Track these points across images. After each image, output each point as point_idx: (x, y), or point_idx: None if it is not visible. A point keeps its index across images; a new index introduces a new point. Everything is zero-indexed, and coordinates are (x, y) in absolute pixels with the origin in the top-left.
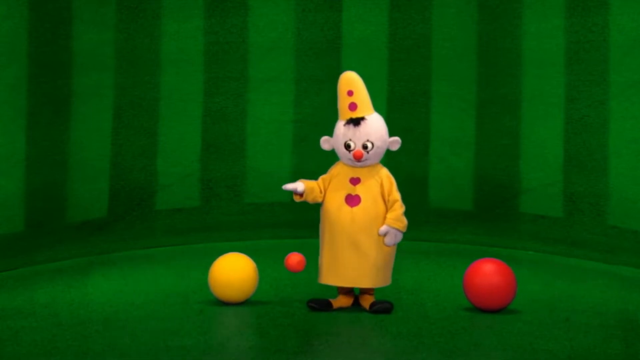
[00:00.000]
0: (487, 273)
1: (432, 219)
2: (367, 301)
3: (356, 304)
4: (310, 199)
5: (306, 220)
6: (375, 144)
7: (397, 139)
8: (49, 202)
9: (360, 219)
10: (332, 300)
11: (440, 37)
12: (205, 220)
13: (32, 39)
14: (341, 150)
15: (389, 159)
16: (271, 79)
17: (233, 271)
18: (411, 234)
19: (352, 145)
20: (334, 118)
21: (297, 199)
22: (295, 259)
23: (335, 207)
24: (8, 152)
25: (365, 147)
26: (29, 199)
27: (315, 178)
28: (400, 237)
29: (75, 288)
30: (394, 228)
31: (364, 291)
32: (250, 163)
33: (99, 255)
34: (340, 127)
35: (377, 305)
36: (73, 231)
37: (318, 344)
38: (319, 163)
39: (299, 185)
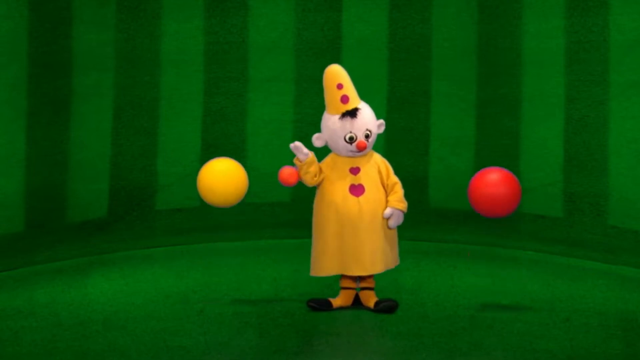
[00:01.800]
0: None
1: (432, 219)
2: (370, 300)
3: (356, 303)
4: (305, 169)
5: (306, 220)
6: (372, 131)
7: (382, 121)
8: (49, 202)
9: (367, 207)
10: (332, 300)
11: (440, 37)
12: (205, 220)
13: (32, 39)
14: (341, 144)
15: (390, 159)
16: (271, 79)
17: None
18: (411, 234)
19: (355, 137)
20: None
21: (296, 162)
22: (287, 171)
23: (339, 198)
24: (8, 152)
25: (366, 136)
26: (29, 199)
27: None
28: (402, 218)
29: (75, 288)
30: (398, 209)
31: (366, 287)
32: (250, 163)
33: (99, 255)
34: (335, 121)
35: (383, 304)
36: (73, 231)
37: (318, 344)
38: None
39: (306, 150)
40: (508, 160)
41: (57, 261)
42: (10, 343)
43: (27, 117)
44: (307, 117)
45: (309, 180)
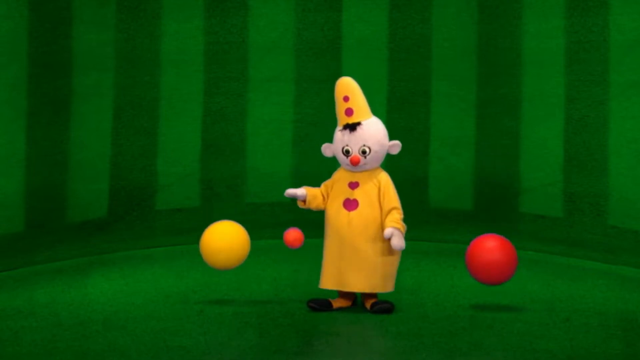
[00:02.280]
0: (490, 249)
1: (432, 219)
2: (369, 301)
3: (356, 304)
4: (313, 206)
5: (306, 221)
6: (373, 148)
7: (397, 142)
8: (49, 202)
9: (357, 223)
10: (332, 300)
11: (440, 37)
12: (205, 220)
13: (32, 39)
14: (340, 156)
15: (389, 159)
16: (271, 79)
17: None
18: (411, 234)
19: (350, 150)
20: (334, 118)
21: (300, 205)
22: (292, 235)
23: (333, 211)
24: (8, 152)
25: (363, 152)
26: (29, 199)
27: (316, 178)
28: (403, 241)
29: (75, 288)
30: (397, 229)
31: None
32: (250, 163)
33: (99, 255)
34: (337, 132)
35: (378, 306)
36: (73, 231)
37: (318, 344)
38: (318, 163)
39: (300, 191)
40: (508, 160)
41: (57, 261)
42: (10, 343)
43: (27, 117)
44: (307, 117)
45: (321, 207)
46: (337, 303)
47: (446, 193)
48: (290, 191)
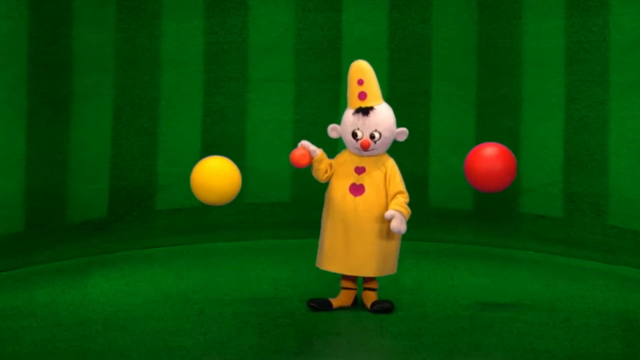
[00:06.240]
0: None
1: (432, 219)
2: (369, 299)
3: (356, 303)
4: (315, 167)
5: (306, 220)
6: (383, 134)
7: (404, 129)
8: (49, 202)
9: (363, 208)
10: (332, 300)
11: (440, 37)
12: (206, 220)
13: (32, 39)
14: (348, 139)
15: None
16: (271, 79)
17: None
18: (411, 234)
19: (360, 134)
20: (334, 118)
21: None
22: (299, 152)
23: (339, 195)
24: (8, 152)
25: (372, 136)
26: (29, 199)
27: (316, 179)
28: (404, 224)
29: (75, 288)
30: (398, 212)
31: (367, 287)
32: (250, 163)
33: (99, 255)
34: (349, 115)
35: (378, 305)
36: (73, 231)
37: (318, 344)
38: None
39: (314, 149)
40: None
41: (57, 261)
42: (10, 343)
43: (27, 117)
44: (307, 117)
45: (320, 176)
46: (337, 302)
47: (446, 193)
48: (306, 143)
